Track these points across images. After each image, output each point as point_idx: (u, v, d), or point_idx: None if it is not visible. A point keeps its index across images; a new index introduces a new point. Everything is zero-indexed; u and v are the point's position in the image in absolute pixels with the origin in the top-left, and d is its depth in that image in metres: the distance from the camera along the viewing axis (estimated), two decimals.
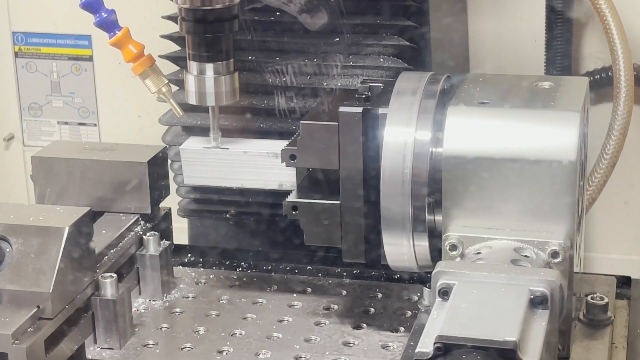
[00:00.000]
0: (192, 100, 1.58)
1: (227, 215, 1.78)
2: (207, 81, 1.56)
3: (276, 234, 1.75)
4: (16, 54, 2.20)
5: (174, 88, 1.68)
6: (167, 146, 1.70)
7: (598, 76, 1.92)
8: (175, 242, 1.72)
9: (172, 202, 1.78)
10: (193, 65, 1.57)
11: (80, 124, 2.19)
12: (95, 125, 2.19)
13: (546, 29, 1.88)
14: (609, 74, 1.91)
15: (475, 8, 1.94)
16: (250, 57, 1.68)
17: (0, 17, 2.18)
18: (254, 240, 1.81)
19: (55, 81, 2.18)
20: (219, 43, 1.55)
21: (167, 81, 1.61)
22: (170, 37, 1.73)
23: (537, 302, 1.19)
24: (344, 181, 1.41)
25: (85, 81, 2.17)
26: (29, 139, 2.24)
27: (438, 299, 1.21)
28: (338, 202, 1.42)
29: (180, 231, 1.85)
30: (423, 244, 1.38)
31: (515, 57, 1.94)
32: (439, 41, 1.75)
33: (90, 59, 2.15)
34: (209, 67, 1.56)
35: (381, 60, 1.64)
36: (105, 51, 2.13)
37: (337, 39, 1.65)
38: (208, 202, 1.76)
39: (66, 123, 2.21)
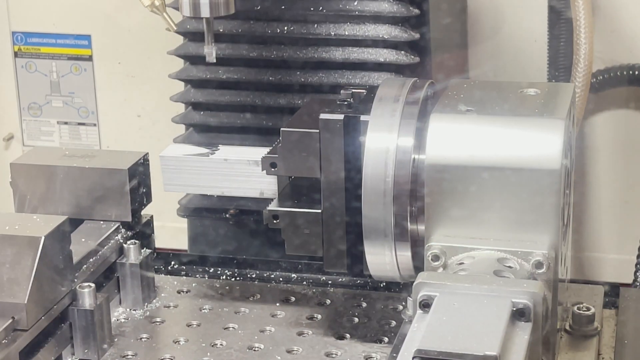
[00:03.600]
0: (186, 11, 1.54)
1: (227, 215, 1.76)
2: None
3: (276, 234, 1.72)
4: (16, 54, 2.20)
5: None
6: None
7: (596, 79, 1.91)
8: (174, 242, 1.70)
9: (172, 202, 1.77)
10: None
11: (79, 123, 2.20)
12: (94, 125, 2.19)
13: (548, 29, 1.87)
14: (611, 74, 1.90)
15: (475, 8, 1.93)
16: (256, 7, 1.67)
17: (0, 17, 2.17)
18: (253, 241, 1.79)
19: (55, 81, 2.18)
20: None
21: None
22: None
23: (519, 314, 1.16)
24: (325, 190, 1.39)
25: (84, 81, 2.17)
26: (29, 139, 2.24)
27: (419, 311, 1.19)
28: (319, 210, 1.40)
29: (180, 231, 1.84)
30: (405, 253, 1.36)
31: (515, 57, 1.94)
32: (438, 41, 1.73)
33: (89, 58, 2.15)
34: None
35: (386, 5, 1.64)
36: (105, 51, 2.13)
37: None
38: (208, 201, 1.74)
39: (66, 123, 2.20)
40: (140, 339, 1.50)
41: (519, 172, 1.27)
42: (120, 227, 1.59)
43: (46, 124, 2.22)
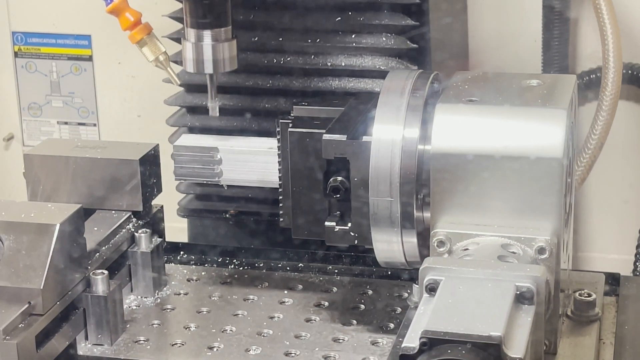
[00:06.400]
0: (190, 68, 1.56)
1: (227, 215, 1.78)
2: (204, 48, 1.55)
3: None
4: (16, 54, 2.21)
5: (177, 70, 1.68)
6: (173, 131, 1.71)
7: (595, 75, 1.93)
8: (173, 241, 1.73)
9: (172, 202, 1.79)
10: (191, 33, 1.55)
11: (79, 123, 2.20)
12: (94, 125, 2.20)
13: (543, 29, 1.89)
14: None
15: (475, 8, 1.95)
16: (253, 38, 1.68)
17: (0, 17, 2.18)
18: (253, 241, 1.82)
19: (55, 81, 2.19)
20: (217, 9, 1.53)
21: (164, 49, 1.60)
22: (173, 17, 1.73)
23: (523, 297, 1.20)
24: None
25: (84, 81, 2.18)
26: (29, 139, 2.24)
27: (425, 295, 1.22)
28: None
29: (180, 231, 1.86)
30: (412, 240, 1.39)
31: (515, 57, 1.95)
32: (438, 41, 1.76)
33: (89, 59, 2.16)
34: (207, 34, 1.54)
35: (384, 39, 1.65)
36: (105, 51, 2.14)
37: (339, 18, 1.65)
38: (208, 199, 1.77)
39: (66, 123, 2.21)
40: (152, 325, 1.53)
41: (522, 160, 1.30)
42: (132, 216, 1.62)
43: (46, 124, 2.23)
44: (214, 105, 1.61)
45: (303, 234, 1.47)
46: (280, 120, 1.46)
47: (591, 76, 1.94)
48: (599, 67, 1.93)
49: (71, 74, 2.18)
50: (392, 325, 1.51)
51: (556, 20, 1.88)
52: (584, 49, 1.96)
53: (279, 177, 1.48)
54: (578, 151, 1.85)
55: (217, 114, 1.62)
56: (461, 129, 1.33)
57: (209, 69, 1.56)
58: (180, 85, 1.75)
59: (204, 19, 1.53)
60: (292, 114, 1.50)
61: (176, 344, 1.48)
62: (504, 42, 1.96)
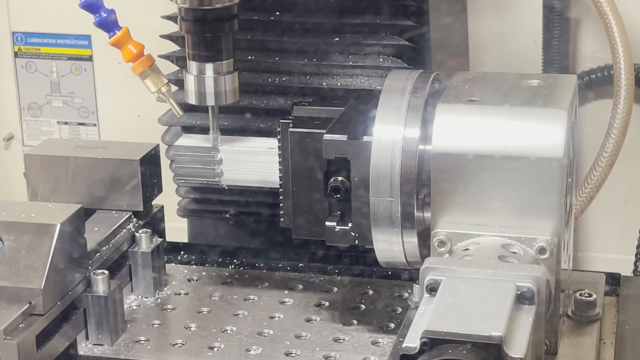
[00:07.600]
0: (192, 100, 1.59)
1: (227, 215, 1.78)
2: (206, 81, 1.56)
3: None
4: (16, 54, 2.20)
5: (174, 88, 1.68)
6: (167, 146, 1.71)
7: (595, 75, 1.93)
8: (173, 241, 1.73)
9: (172, 202, 1.79)
10: (193, 65, 1.57)
11: (79, 124, 2.20)
12: (95, 125, 2.19)
13: (544, 28, 1.89)
14: (606, 72, 1.92)
15: (475, 8, 1.95)
16: (249, 57, 1.69)
17: (0, 17, 2.18)
18: (253, 241, 1.82)
19: (55, 81, 2.19)
20: (218, 43, 1.55)
21: (166, 81, 1.61)
22: (170, 37, 1.73)
23: (523, 297, 1.20)
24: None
25: (84, 81, 2.17)
26: (29, 139, 2.24)
27: (426, 295, 1.22)
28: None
29: (180, 231, 1.86)
30: (412, 240, 1.39)
31: (515, 57, 1.95)
32: (438, 41, 1.76)
33: (90, 59, 2.16)
34: (209, 67, 1.56)
35: (381, 60, 1.65)
36: (105, 51, 2.13)
37: (337, 38, 1.65)
38: (208, 202, 1.77)
39: (66, 123, 2.21)
40: (152, 325, 1.53)
41: (522, 160, 1.30)
42: (132, 216, 1.62)
43: (46, 124, 2.22)
44: (215, 136, 1.63)
45: (303, 234, 1.47)
46: (281, 120, 1.46)
47: (591, 76, 1.94)
48: (599, 67, 1.94)
49: (71, 74, 2.17)
50: (392, 325, 1.52)
51: (556, 20, 1.88)
52: (584, 49, 1.96)
53: (280, 177, 1.48)
54: (587, 170, 1.85)
55: (219, 145, 1.63)
56: (461, 129, 1.33)
57: (210, 101, 1.58)
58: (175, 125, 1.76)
59: (205, 52, 1.55)
60: (292, 114, 1.50)
61: (176, 344, 1.48)
62: (504, 41, 1.96)
